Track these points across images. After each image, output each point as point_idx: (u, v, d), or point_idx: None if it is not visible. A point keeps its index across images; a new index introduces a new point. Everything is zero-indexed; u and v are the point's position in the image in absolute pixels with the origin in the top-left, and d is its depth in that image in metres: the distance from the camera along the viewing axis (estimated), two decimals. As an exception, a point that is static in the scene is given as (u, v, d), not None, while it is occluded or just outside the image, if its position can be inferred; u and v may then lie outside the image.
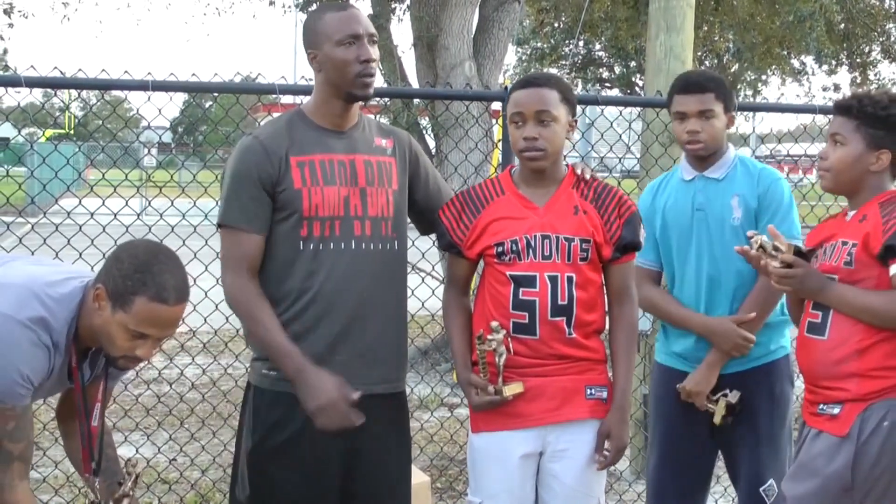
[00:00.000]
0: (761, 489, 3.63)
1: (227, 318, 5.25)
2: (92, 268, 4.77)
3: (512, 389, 3.13)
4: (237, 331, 5.98)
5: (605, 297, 3.30)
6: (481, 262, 3.29)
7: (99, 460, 3.06)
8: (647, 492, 3.88)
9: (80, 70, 4.32)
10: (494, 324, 3.09)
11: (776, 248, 3.15)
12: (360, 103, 3.23)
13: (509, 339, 3.11)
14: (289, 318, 3.08)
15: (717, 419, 3.60)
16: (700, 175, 3.67)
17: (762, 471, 3.63)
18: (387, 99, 7.73)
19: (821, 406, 3.16)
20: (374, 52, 3.13)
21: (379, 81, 3.45)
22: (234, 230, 3.07)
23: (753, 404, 3.62)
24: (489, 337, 3.07)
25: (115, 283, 2.74)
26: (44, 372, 2.79)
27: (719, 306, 3.62)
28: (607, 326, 3.31)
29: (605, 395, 3.25)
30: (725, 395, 3.59)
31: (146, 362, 3.21)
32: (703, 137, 3.58)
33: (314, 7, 13.29)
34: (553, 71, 20.22)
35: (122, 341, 2.78)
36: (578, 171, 3.26)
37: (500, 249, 3.17)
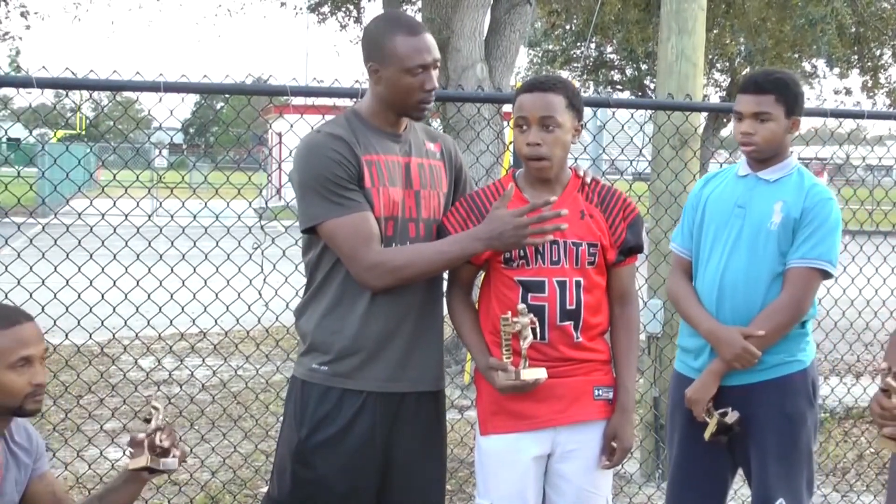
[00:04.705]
0: None
1: (237, 320, 5.26)
2: (102, 269, 4.82)
3: (532, 374, 3.05)
4: (247, 332, 6.05)
5: (607, 298, 3.28)
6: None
7: None
8: (666, 500, 3.78)
9: (91, 71, 4.32)
10: (521, 306, 3.05)
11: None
12: None
13: (536, 324, 3.07)
14: (342, 313, 3.11)
15: (706, 435, 3.47)
16: (753, 174, 3.55)
17: (771, 491, 3.46)
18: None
19: None
20: (436, 76, 3.14)
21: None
22: (348, 217, 3.03)
23: (762, 420, 3.47)
24: (515, 319, 3.03)
25: None
26: None
27: (727, 308, 3.48)
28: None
29: (611, 395, 3.25)
30: (725, 414, 3.45)
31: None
32: (756, 140, 3.46)
33: (325, 7, 13.32)
34: (564, 73, 20.22)
35: (16, 383, 2.68)
36: (580, 175, 3.26)
37: (508, 255, 3.15)
